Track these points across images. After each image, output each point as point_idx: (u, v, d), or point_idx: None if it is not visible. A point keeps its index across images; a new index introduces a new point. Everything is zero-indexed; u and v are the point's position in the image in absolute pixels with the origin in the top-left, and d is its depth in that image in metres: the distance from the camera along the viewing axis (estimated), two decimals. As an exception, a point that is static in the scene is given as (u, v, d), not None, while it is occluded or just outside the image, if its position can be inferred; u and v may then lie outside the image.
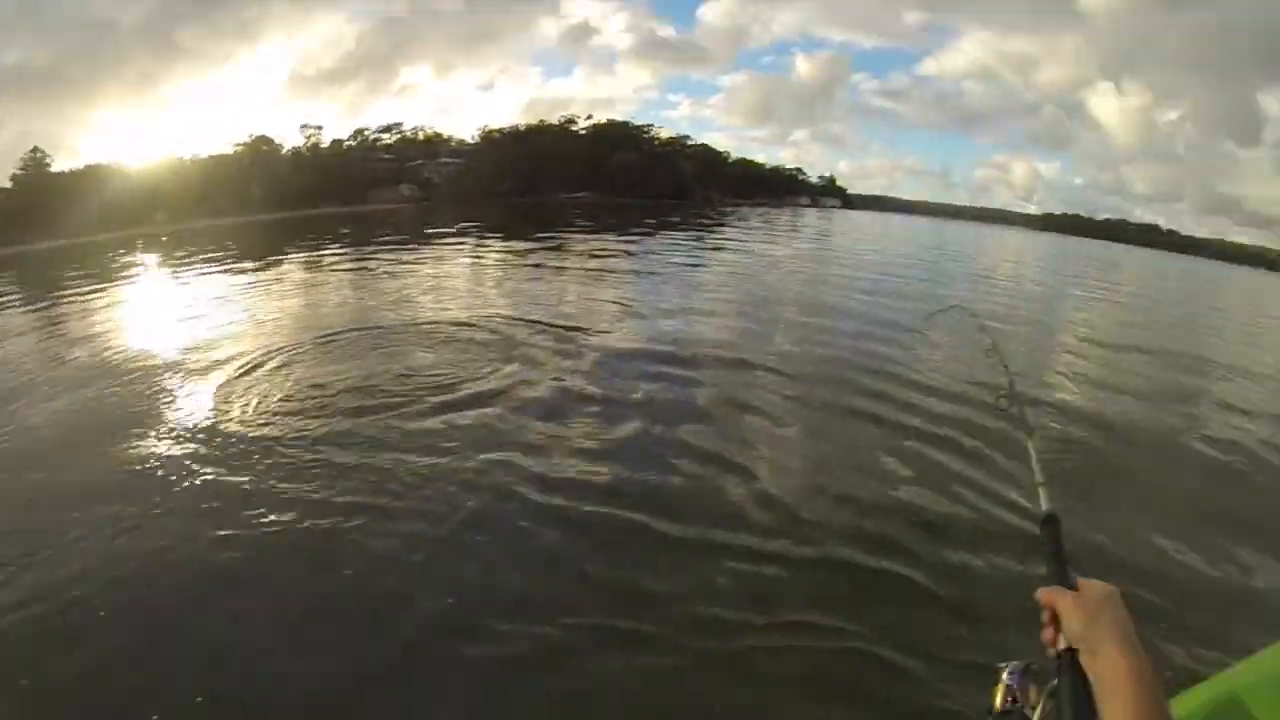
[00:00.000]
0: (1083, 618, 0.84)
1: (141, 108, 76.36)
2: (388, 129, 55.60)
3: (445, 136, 58.19)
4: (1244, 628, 3.68)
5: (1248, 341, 17.11)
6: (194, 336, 8.59)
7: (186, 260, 18.32)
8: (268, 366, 7.14)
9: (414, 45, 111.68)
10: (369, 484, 4.68)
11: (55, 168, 36.13)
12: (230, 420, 5.69)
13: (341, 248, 21.50)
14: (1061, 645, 0.85)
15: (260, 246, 21.93)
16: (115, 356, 8.05)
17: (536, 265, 17.08)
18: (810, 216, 62.45)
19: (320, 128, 51.10)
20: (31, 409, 6.41)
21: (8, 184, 34.00)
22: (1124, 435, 7.06)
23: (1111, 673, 0.78)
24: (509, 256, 19.40)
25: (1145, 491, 5.76)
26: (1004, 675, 0.99)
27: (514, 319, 9.68)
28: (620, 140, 62.28)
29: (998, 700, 0.98)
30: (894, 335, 10.58)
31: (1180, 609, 3.89)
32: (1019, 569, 4.05)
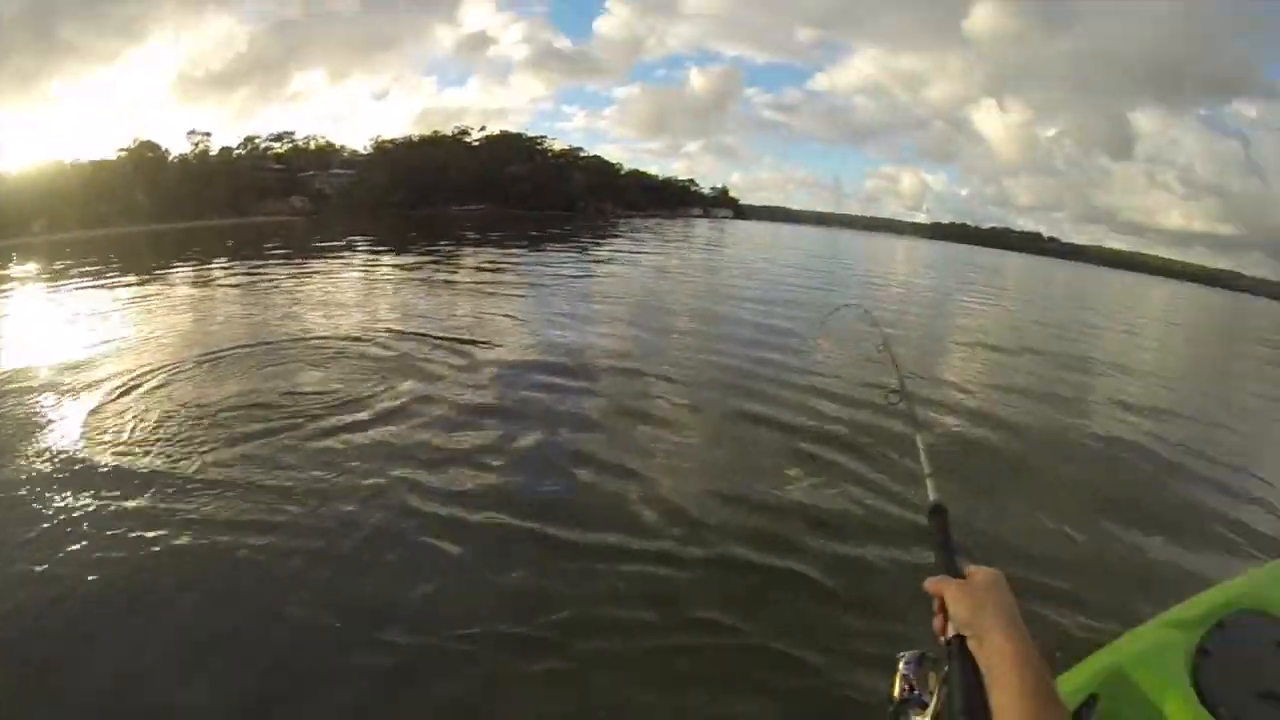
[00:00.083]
0: (968, 605, 0.84)
1: (19, 108, 68.84)
2: (279, 137, 53.18)
3: (338, 146, 56.19)
4: (1134, 600, 3.86)
5: (1127, 340, 18.64)
6: (68, 356, 7.95)
7: (64, 273, 16.88)
8: (147, 386, 6.74)
9: (307, 50, 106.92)
10: (262, 505, 4.50)
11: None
12: (106, 445, 5.35)
13: (229, 261, 20.32)
14: (951, 633, 0.85)
15: (144, 259, 20.50)
16: (-23, 380, 7.38)
17: (428, 279, 16.79)
18: (702, 227, 63.50)
19: (209, 134, 48.39)
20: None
21: None
22: (1012, 429, 7.45)
23: (997, 657, 0.78)
24: (400, 270, 18.92)
25: (1033, 480, 6.09)
26: (900, 665, 1.00)
27: (406, 333, 9.55)
28: (514, 152, 61.86)
29: (896, 689, 0.99)
30: (786, 341, 10.96)
31: (1073, 587, 4.10)
32: (911, 559, 4.18)
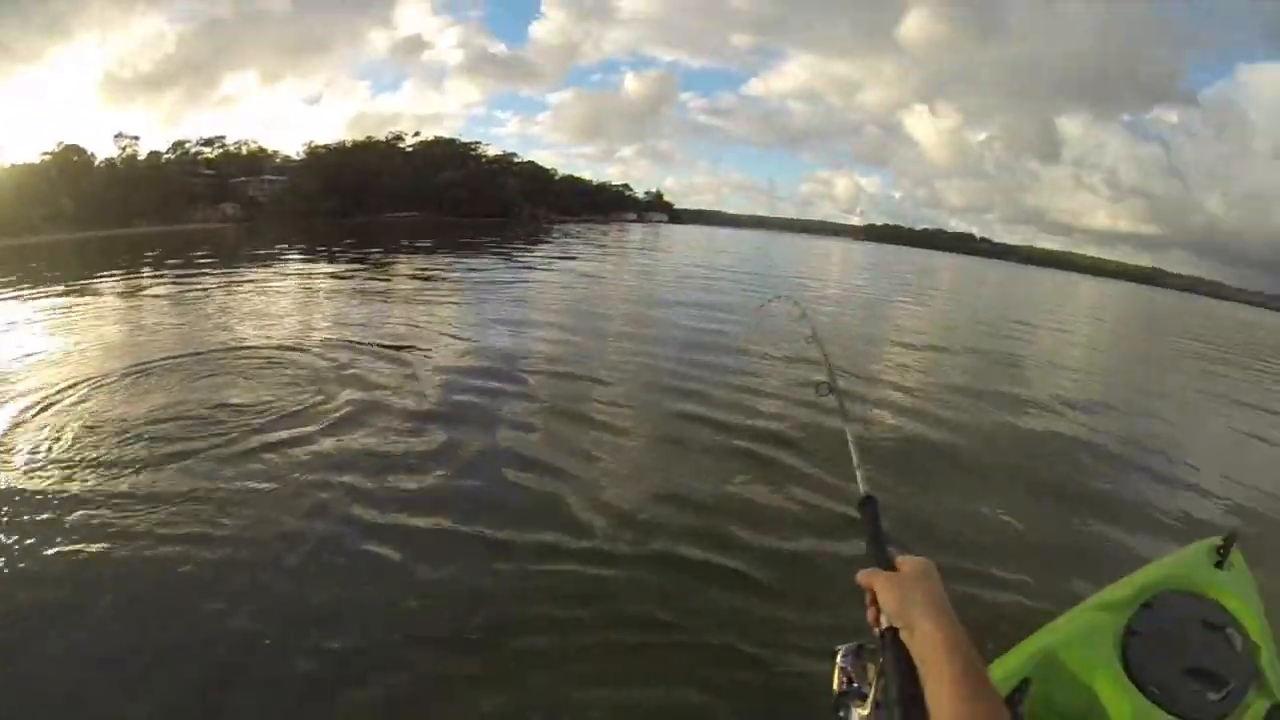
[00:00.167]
0: (897, 596, 0.82)
1: (-65, 109, 64.02)
2: (209, 142, 51.05)
3: (270, 152, 54.16)
4: (1066, 583, 3.90)
5: (1056, 336, 19.34)
6: (-21, 372, 7.39)
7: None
8: (68, 401, 6.33)
9: (238, 51, 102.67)
10: (200, 518, 4.30)
11: None
12: (25, 465, 5.00)
13: (157, 270, 19.36)
14: (884, 624, 0.84)
15: (67, 268, 19.24)
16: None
17: (361, 287, 16.35)
18: (637, 232, 63.66)
19: (137, 138, 46.10)
20: None
21: None
22: (944, 422, 7.57)
23: (928, 646, 0.77)
24: (333, 278, 18.39)
25: (966, 471, 6.18)
26: (838, 658, 0.98)
27: (339, 341, 9.30)
28: (448, 158, 60.92)
29: (835, 682, 0.97)
30: (718, 341, 11.13)
31: (1006, 572, 4.17)
32: (848, 551, 4.20)
